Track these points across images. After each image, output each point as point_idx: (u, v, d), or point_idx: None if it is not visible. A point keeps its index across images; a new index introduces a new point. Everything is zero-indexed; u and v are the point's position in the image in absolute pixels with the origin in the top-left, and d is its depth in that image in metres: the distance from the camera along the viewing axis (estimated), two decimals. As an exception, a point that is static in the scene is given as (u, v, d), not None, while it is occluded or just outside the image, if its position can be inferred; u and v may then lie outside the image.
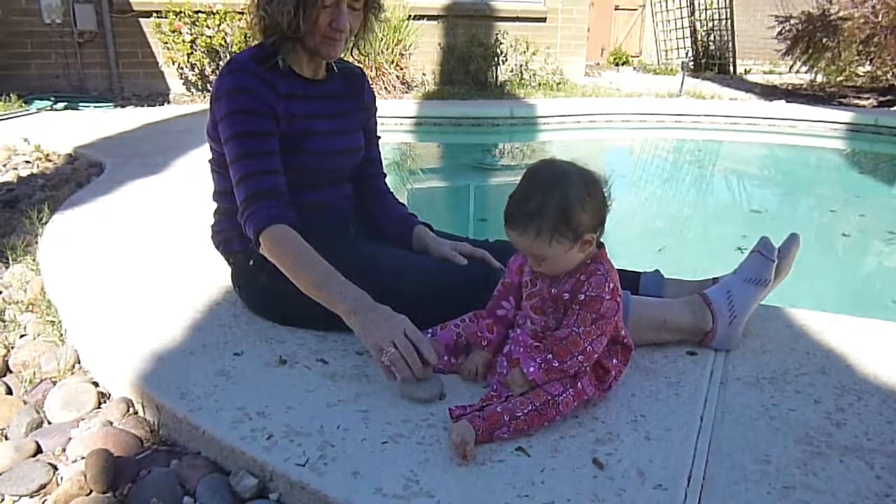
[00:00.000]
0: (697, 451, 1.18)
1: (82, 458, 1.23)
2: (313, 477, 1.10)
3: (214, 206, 1.72)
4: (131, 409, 1.40)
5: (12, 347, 1.67)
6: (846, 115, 6.01)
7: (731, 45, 10.35)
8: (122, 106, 6.06)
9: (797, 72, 9.07)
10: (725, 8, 10.27)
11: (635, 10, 14.66)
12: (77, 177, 3.39)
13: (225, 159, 1.53)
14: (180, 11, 6.49)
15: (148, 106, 6.14)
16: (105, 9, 6.59)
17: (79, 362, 1.59)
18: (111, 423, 1.35)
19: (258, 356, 1.49)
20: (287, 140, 1.55)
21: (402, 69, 7.13)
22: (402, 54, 7.11)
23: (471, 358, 1.40)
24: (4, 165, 3.66)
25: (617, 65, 12.81)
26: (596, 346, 1.24)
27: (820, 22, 8.08)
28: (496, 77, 7.65)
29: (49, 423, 1.39)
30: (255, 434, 1.21)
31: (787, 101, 7.04)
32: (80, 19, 6.49)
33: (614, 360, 1.32)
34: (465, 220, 3.73)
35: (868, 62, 8.15)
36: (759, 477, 1.12)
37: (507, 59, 7.71)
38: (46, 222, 2.49)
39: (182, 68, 6.89)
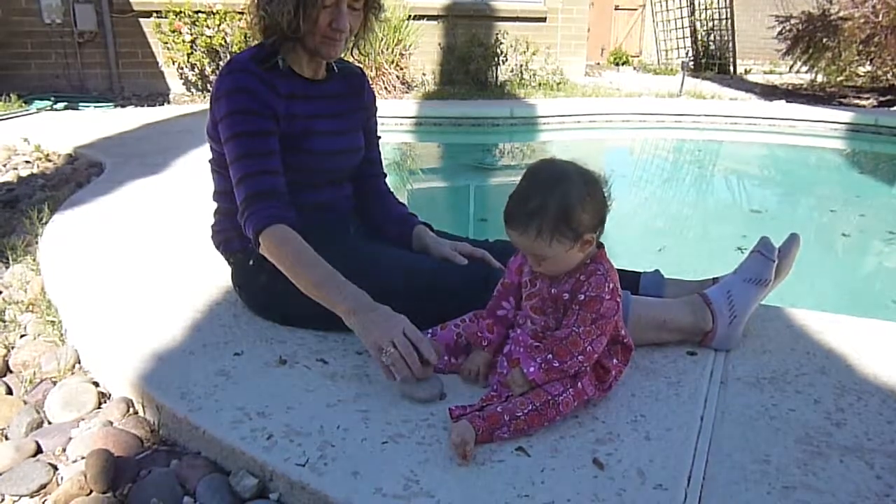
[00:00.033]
0: (697, 451, 1.18)
1: (82, 458, 1.23)
2: (313, 477, 1.10)
3: (214, 206, 1.72)
4: (131, 409, 1.40)
5: (12, 347, 1.67)
6: (846, 115, 6.01)
7: (731, 44, 10.35)
8: (122, 106, 6.06)
9: (797, 72, 9.07)
10: (725, 8, 10.27)
11: (635, 9, 14.66)
12: (77, 177, 3.39)
13: (225, 159, 1.53)
14: (180, 11, 6.49)
15: (148, 106, 6.14)
16: (105, 9, 6.59)
17: (79, 362, 1.59)
18: (111, 423, 1.35)
19: (258, 356, 1.49)
20: (287, 140, 1.55)
21: (402, 69, 7.13)
22: (402, 54, 7.11)
23: (471, 358, 1.40)
24: (4, 165, 3.66)
25: (617, 65, 12.80)
26: (596, 346, 1.24)
27: (820, 22, 8.08)
28: (496, 77, 7.65)
29: (49, 423, 1.39)
30: (255, 434, 1.21)
31: (788, 101, 7.04)
32: (80, 19, 6.49)
33: (614, 360, 1.32)
34: (465, 220, 3.73)
35: (868, 62, 8.16)
36: (759, 477, 1.12)
37: (507, 59, 7.71)
38: (46, 222, 2.49)
39: (182, 68, 6.89)
